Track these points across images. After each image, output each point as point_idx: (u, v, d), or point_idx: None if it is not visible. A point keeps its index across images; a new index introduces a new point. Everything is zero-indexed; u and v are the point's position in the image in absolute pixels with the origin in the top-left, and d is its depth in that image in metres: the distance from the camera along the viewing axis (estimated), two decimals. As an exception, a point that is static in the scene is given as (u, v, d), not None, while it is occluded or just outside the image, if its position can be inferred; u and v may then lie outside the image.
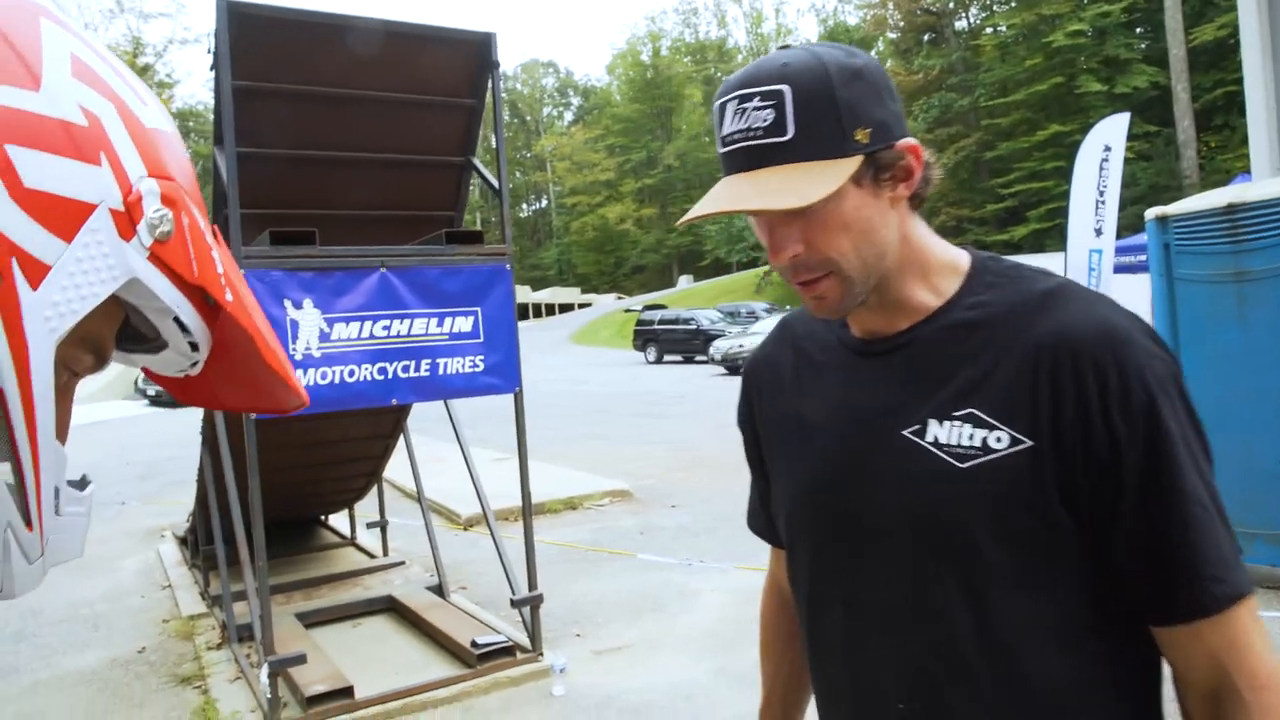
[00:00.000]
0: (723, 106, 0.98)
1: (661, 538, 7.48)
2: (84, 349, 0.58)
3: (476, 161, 5.07)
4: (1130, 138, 12.36)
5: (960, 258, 1.08)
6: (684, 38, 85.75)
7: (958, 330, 1.03)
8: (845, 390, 1.11)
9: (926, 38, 44.77)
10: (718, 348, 25.19)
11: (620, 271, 79.75)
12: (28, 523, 0.54)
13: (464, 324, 4.43)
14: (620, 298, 68.16)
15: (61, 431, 0.57)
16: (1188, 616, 0.93)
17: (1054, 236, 32.23)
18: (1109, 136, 10.98)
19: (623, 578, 6.38)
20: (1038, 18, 38.07)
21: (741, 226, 49.83)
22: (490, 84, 4.70)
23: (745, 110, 0.95)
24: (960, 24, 44.44)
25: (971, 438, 0.98)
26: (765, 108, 0.94)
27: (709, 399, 18.39)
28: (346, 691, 4.27)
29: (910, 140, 0.99)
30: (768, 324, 26.69)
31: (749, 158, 0.96)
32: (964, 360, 1.01)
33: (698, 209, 0.99)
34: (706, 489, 9.30)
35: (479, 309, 4.48)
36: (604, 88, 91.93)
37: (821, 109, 0.94)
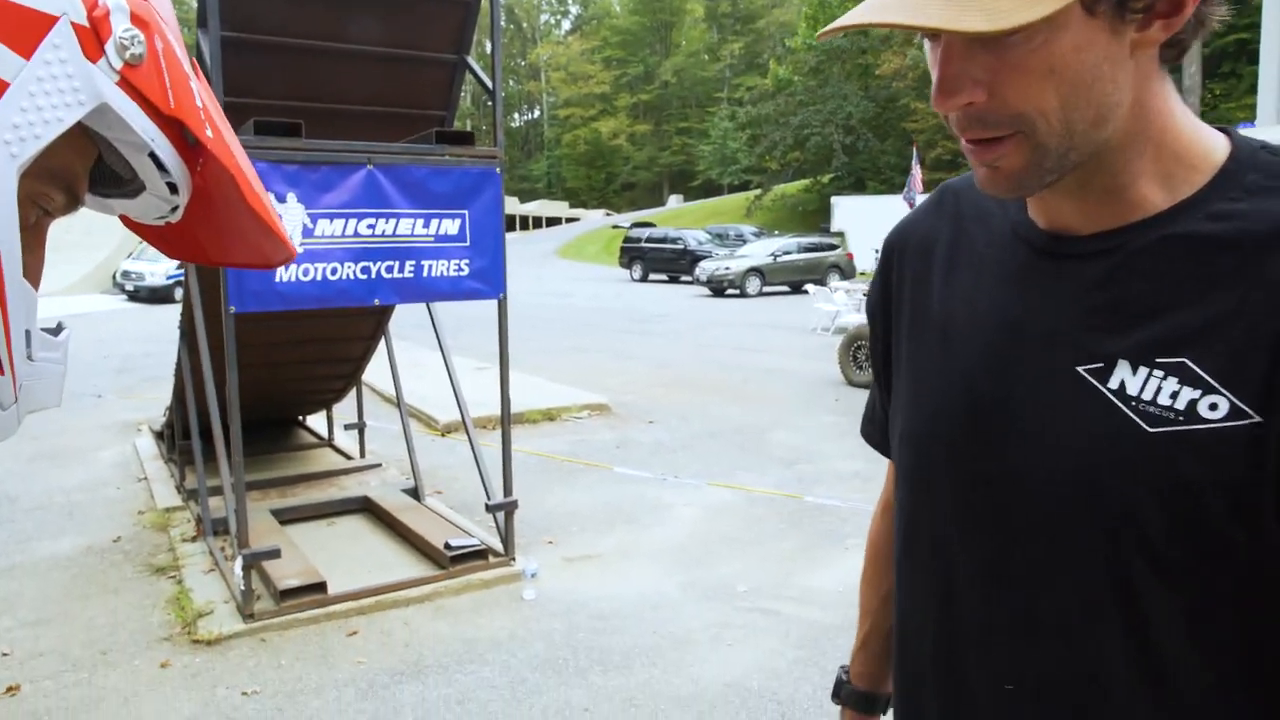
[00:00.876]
0: None
1: (638, 452, 7.55)
2: (54, 185, 0.55)
3: (471, 60, 4.93)
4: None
5: (1216, 143, 0.79)
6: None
7: (1191, 246, 0.75)
8: (1010, 296, 0.84)
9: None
10: (703, 269, 25.10)
11: (610, 188, 78.85)
12: None
13: (450, 226, 4.37)
14: (609, 214, 67.50)
15: (33, 276, 0.53)
16: None
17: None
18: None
19: (598, 489, 6.45)
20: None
21: (735, 148, 49.12)
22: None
23: None
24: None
25: (1175, 396, 0.72)
26: None
27: (692, 319, 18.41)
28: (319, 587, 4.33)
29: None
30: (756, 247, 26.62)
31: None
32: (1191, 290, 0.74)
33: (852, 17, 0.70)
34: (684, 407, 9.37)
35: (466, 212, 4.41)
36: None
37: None
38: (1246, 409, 0.70)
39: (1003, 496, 0.83)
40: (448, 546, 4.71)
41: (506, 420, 4.92)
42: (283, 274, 3.97)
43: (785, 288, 25.05)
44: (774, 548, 5.24)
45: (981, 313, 0.87)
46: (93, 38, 0.50)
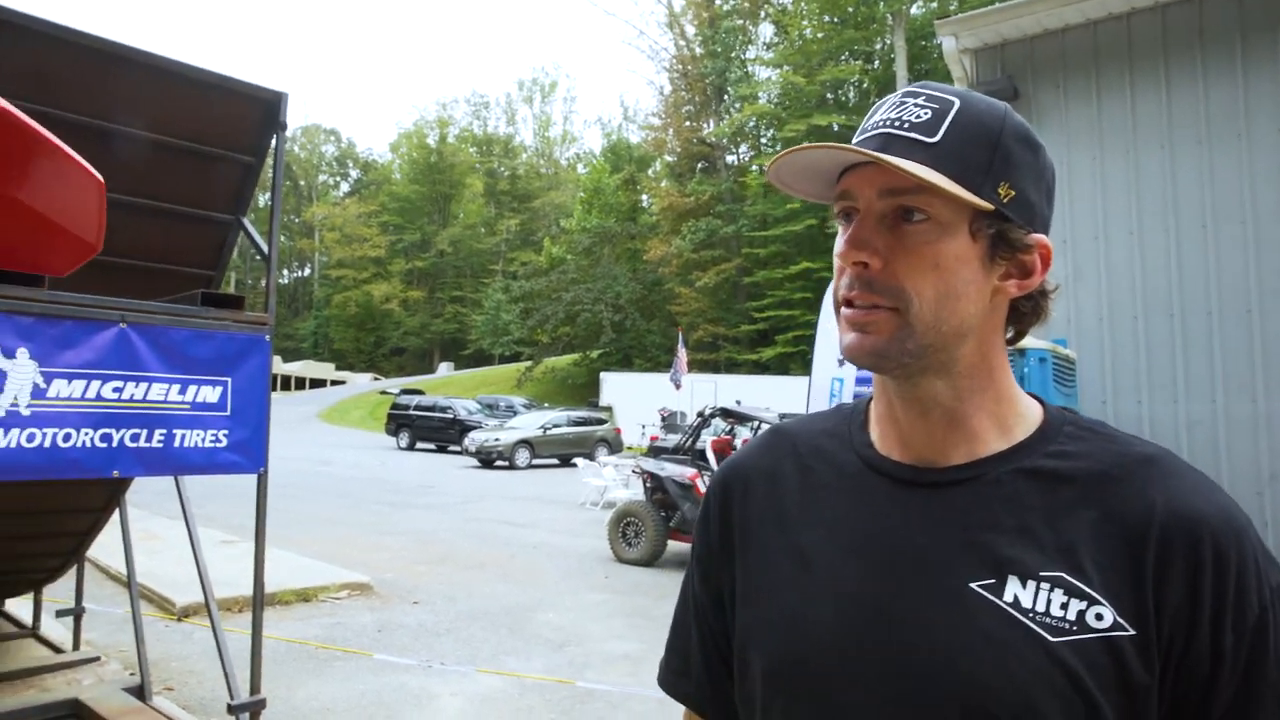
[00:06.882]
0: (881, 103, 0.88)
1: (400, 636, 7.06)
2: None
3: (247, 223, 4.74)
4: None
5: (1032, 403, 0.92)
6: (472, 128, 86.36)
7: (1041, 478, 0.84)
8: (883, 523, 0.88)
9: (700, 166, 47.47)
10: (473, 439, 24.70)
11: (379, 351, 77.29)
12: None
13: (210, 394, 4.04)
14: (376, 378, 65.91)
15: None
16: None
17: (797, 361, 34.66)
18: (855, 279, 12.15)
19: (356, 680, 5.92)
20: (797, 164, 41.49)
21: (507, 320, 49.80)
22: (274, 145, 4.45)
23: (905, 104, 0.85)
24: (731, 159, 47.68)
25: (1065, 608, 0.78)
26: (925, 108, 0.84)
27: (459, 491, 17.93)
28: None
29: (1046, 239, 0.87)
30: (526, 419, 26.65)
31: (881, 141, 0.84)
32: (1050, 516, 0.82)
33: (796, 150, 0.82)
34: (450, 585, 8.95)
35: (229, 379, 4.11)
36: (385, 164, 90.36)
37: (980, 139, 0.83)
38: (1123, 622, 0.77)
39: (898, 709, 0.81)
40: (175, 756, 4.10)
41: (259, 605, 4.45)
42: (1, 438, 3.48)
43: (554, 460, 25.12)
44: (545, 742, 4.96)
45: (850, 538, 0.89)
46: None
